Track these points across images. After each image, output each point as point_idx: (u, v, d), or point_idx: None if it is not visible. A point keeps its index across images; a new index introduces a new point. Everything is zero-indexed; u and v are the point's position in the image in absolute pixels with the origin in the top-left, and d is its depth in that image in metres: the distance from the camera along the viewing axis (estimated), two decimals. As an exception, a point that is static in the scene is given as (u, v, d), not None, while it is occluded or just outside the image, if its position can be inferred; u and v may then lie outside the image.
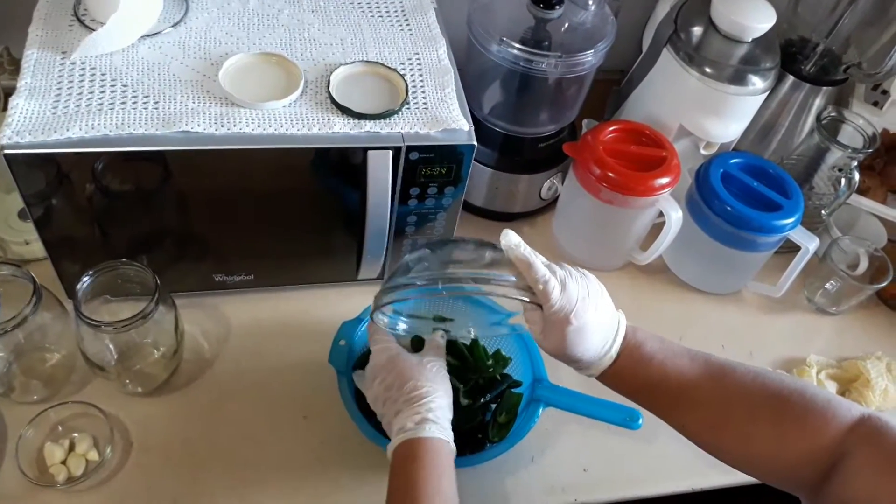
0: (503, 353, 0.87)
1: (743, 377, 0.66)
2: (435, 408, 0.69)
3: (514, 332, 0.84)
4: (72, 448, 0.78)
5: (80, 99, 0.75)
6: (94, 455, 0.78)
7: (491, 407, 0.84)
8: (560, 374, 0.93)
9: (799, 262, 1.01)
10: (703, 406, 0.66)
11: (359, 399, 0.79)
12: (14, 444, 0.77)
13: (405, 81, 0.83)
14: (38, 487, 0.75)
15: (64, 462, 0.77)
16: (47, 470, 0.76)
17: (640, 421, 0.83)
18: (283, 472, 0.81)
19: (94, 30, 0.79)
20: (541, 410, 0.82)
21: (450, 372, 0.80)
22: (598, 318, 0.66)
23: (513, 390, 0.85)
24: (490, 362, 0.84)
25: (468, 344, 0.86)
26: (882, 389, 0.98)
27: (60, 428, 0.80)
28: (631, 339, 0.69)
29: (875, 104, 1.11)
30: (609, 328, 0.68)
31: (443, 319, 0.84)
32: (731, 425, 0.65)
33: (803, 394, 0.64)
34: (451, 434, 0.69)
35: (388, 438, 0.70)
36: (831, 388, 1.00)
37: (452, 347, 0.86)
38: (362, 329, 0.85)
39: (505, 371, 0.86)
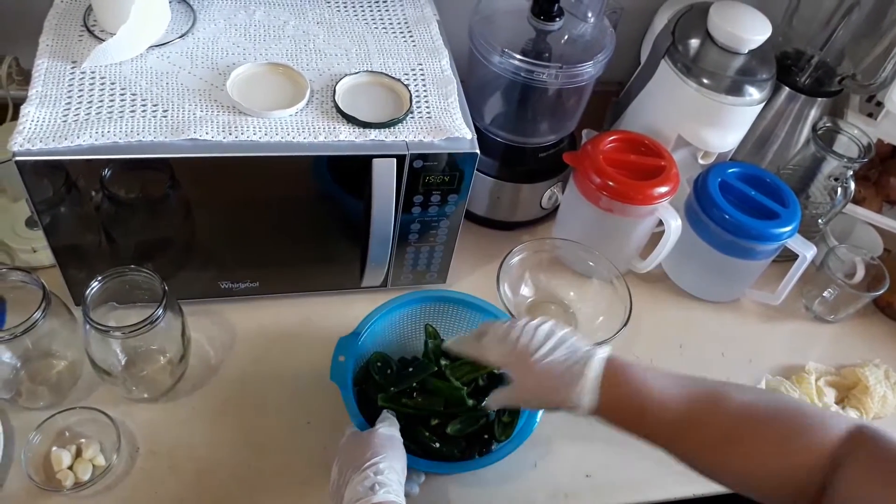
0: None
1: (742, 396, 0.65)
2: (384, 469, 0.67)
3: None
4: (79, 453, 0.79)
5: (90, 107, 0.76)
6: (100, 460, 0.79)
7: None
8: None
9: (797, 271, 1.02)
10: (706, 426, 0.64)
11: (363, 408, 0.80)
12: (21, 449, 0.77)
13: (409, 91, 0.84)
14: (45, 492, 0.76)
15: (71, 467, 0.77)
16: (54, 475, 0.77)
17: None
18: (287, 477, 0.82)
19: (103, 40, 0.80)
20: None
21: (446, 371, 0.81)
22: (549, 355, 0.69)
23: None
24: None
25: None
26: (881, 396, 0.99)
27: (67, 433, 0.80)
28: (611, 368, 0.67)
29: (870, 115, 1.13)
30: (569, 362, 0.68)
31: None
32: (736, 443, 0.63)
33: (799, 409, 0.64)
34: (403, 500, 0.66)
35: None
36: (830, 395, 1.01)
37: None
38: (360, 343, 0.85)
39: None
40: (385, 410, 0.78)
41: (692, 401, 0.65)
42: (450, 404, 0.82)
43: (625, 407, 0.66)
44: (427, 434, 0.81)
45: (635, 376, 0.66)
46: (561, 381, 0.67)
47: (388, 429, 0.74)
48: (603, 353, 0.68)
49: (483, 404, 0.78)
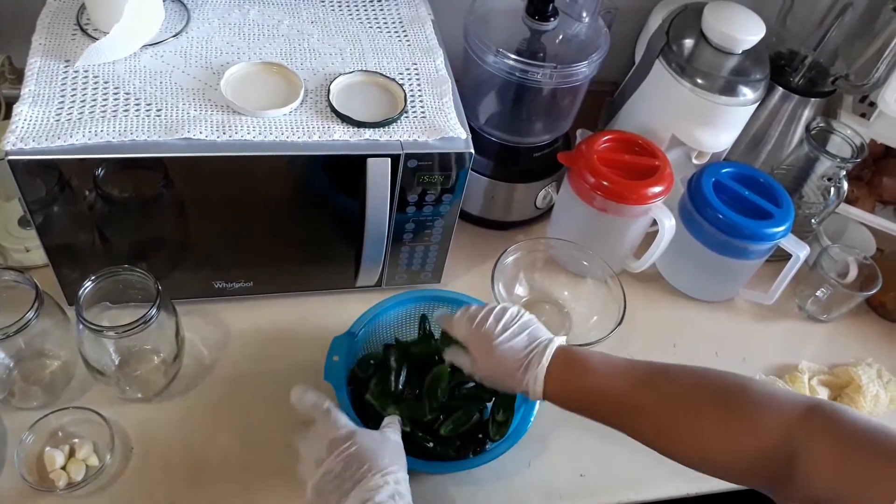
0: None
1: (685, 379, 0.67)
2: (402, 479, 0.66)
3: None
4: (72, 453, 0.78)
5: (83, 106, 0.76)
6: (94, 460, 0.78)
7: (487, 406, 0.85)
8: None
9: (790, 270, 1.02)
10: (649, 412, 0.67)
11: (358, 409, 0.80)
12: (14, 449, 0.77)
13: (404, 91, 0.84)
14: (38, 492, 0.75)
15: (64, 467, 0.77)
16: (47, 475, 0.76)
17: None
18: (282, 477, 0.81)
19: (96, 39, 0.80)
20: (537, 406, 0.82)
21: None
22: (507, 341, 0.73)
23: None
24: None
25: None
26: (873, 395, 1.00)
27: (60, 433, 0.80)
28: (564, 354, 0.72)
29: (862, 115, 1.13)
30: (527, 349, 0.72)
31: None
32: (679, 428, 0.65)
33: (745, 390, 0.65)
34: None
35: None
36: (823, 393, 1.01)
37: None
38: (355, 342, 0.85)
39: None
40: (395, 417, 0.77)
41: (635, 387, 0.68)
42: (425, 362, 0.83)
43: (573, 393, 0.71)
44: (421, 434, 0.81)
45: (585, 364, 0.71)
46: (517, 366, 0.72)
47: (398, 436, 0.73)
48: (557, 342, 0.73)
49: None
